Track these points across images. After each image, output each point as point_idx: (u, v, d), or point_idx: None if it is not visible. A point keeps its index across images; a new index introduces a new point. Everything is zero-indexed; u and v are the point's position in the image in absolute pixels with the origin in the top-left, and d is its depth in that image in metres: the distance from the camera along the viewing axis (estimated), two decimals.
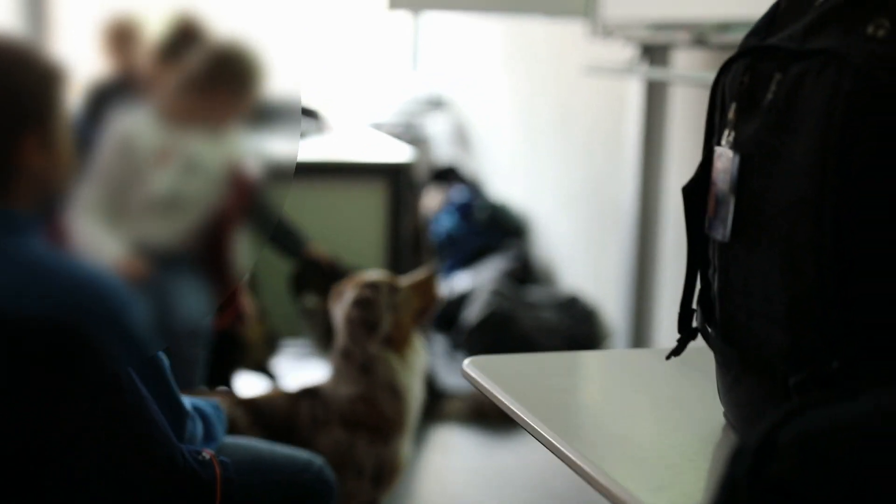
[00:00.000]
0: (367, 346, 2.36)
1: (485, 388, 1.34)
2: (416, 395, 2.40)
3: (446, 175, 6.11)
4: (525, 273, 5.16)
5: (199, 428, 1.78)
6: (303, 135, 4.20)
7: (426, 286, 2.43)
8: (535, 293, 4.93)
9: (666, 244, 3.91)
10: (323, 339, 3.64)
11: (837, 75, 1.00)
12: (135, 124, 1.67)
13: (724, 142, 1.13)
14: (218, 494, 1.69)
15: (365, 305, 2.34)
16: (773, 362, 1.08)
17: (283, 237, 3.47)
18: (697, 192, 1.19)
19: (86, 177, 1.65)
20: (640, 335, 3.94)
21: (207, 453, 1.69)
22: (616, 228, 4.44)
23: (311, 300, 3.62)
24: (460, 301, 4.84)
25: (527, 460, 3.58)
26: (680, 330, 1.24)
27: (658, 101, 3.77)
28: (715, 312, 1.18)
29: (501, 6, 4.14)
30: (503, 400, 1.29)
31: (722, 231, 1.13)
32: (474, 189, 5.90)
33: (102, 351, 1.48)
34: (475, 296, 4.78)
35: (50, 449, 1.55)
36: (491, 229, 5.35)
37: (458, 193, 5.64)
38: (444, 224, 5.40)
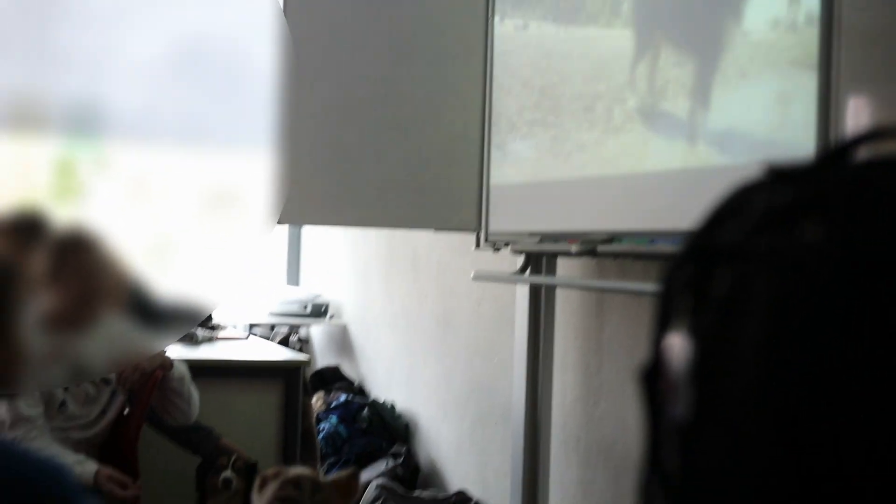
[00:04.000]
0: None
1: None
2: None
3: (328, 379, 6.15)
4: (411, 475, 5.17)
5: None
6: (196, 338, 4.22)
7: (348, 486, 2.48)
8: (421, 493, 4.95)
9: (552, 445, 4.00)
10: None
11: (781, 274, 1.14)
12: (25, 327, 1.70)
13: (676, 331, 1.25)
14: None
15: (286, 502, 2.36)
16: None
17: (192, 433, 3.46)
18: (651, 378, 1.30)
19: None
20: None
21: None
22: (500, 431, 4.53)
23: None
24: None
25: None
26: None
27: (543, 307, 3.92)
28: (672, 492, 1.28)
29: (392, 221, 4.14)
30: None
31: (677, 415, 1.24)
32: (357, 392, 5.94)
33: None
34: (361, 496, 4.77)
35: None
36: (374, 432, 5.38)
37: (339, 397, 5.67)
38: (327, 427, 5.40)
